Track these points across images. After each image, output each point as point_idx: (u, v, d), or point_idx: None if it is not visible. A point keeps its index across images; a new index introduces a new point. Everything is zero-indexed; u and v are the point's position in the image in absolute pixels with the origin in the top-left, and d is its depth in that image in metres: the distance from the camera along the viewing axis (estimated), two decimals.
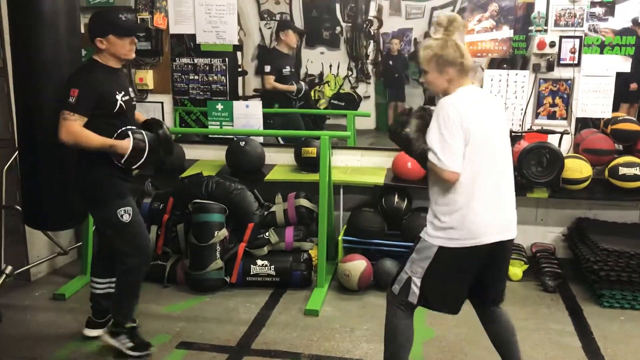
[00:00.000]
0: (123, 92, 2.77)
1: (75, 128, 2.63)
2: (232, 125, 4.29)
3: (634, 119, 3.92)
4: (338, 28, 4.59)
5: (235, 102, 4.32)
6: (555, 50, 3.89)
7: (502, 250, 2.31)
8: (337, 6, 4.52)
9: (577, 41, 3.87)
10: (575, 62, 3.91)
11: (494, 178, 2.26)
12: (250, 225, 3.82)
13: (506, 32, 4.03)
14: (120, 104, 2.73)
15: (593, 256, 3.54)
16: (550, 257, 3.95)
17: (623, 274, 3.47)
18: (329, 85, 4.70)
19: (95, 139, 2.66)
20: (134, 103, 2.91)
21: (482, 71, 4.08)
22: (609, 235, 3.70)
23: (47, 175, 2.94)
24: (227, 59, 4.41)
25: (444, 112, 2.19)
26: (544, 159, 3.68)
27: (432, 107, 2.33)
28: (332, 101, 4.70)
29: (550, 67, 3.94)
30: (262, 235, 3.84)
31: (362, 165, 4.30)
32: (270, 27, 4.59)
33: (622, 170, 3.70)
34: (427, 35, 4.34)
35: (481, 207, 2.22)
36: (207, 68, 4.44)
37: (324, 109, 4.70)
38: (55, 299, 3.65)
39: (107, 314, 3.16)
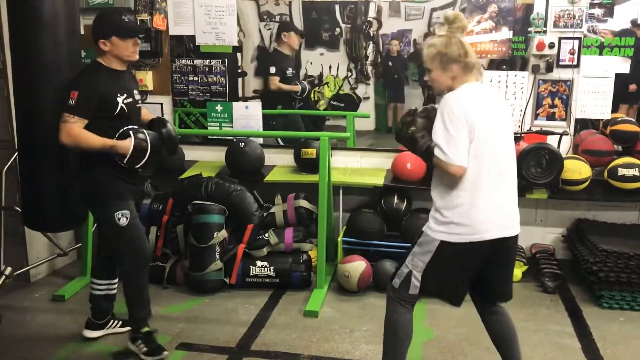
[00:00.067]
0: (125, 95, 2.76)
1: (75, 130, 2.63)
2: (232, 127, 4.29)
3: (633, 120, 3.93)
4: (337, 29, 4.60)
5: (234, 103, 4.32)
6: (554, 51, 3.89)
7: (504, 247, 2.31)
8: (337, 7, 4.53)
9: (576, 42, 3.88)
10: (575, 63, 3.91)
11: (498, 174, 2.27)
12: (250, 226, 3.82)
13: (505, 33, 4.03)
14: (122, 107, 2.72)
15: (592, 257, 3.54)
16: (550, 258, 3.95)
17: (622, 275, 3.47)
18: (328, 87, 4.70)
19: (95, 141, 2.66)
20: (138, 105, 2.90)
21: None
22: (608, 236, 3.70)
23: (46, 176, 2.94)
24: (226, 60, 4.41)
25: (448, 107, 2.20)
26: (543, 160, 3.68)
27: (437, 106, 2.34)
28: (331, 102, 4.70)
29: (549, 68, 3.95)
30: (261, 237, 3.84)
31: (362, 166, 4.31)
32: (269, 29, 4.60)
33: (621, 171, 3.70)
34: (426, 36, 4.35)
35: (484, 203, 2.23)
36: (207, 69, 4.44)
37: (324, 110, 4.71)
38: (55, 300, 3.65)
39: (107, 315, 3.17)
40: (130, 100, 2.79)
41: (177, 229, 3.91)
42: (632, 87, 4.10)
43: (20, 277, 3.70)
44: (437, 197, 2.31)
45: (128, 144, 2.69)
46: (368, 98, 4.68)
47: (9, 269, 3.43)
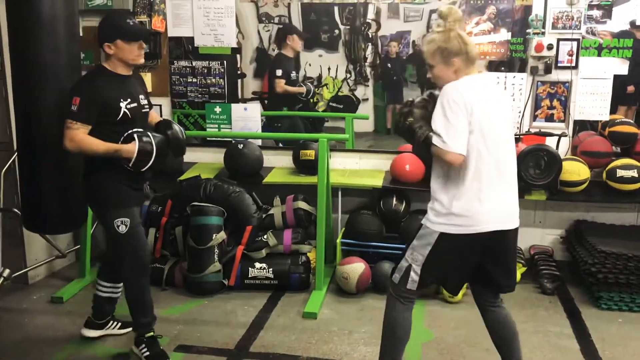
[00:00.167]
0: (129, 100, 2.74)
1: (79, 136, 2.63)
2: (231, 128, 4.29)
3: (632, 121, 3.93)
4: (336, 31, 4.60)
5: (233, 105, 4.32)
6: (552, 52, 3.89)
7: (503, 239, 2.31)
8: (336, 9, 4.53)
9: (574, 44, 3.88)
10: (573, 64, 3.91)
11: (499, 167, 2.27)
12: (249, 228, 3.82)
13: (504, 34, 4.03)
14: (125, 112, 2.70)
15: (591, 258, 3.54)
16: (549, 260, 3.95)
17: (621, 276, 3.47)
18: (327, 88, 4.71)
19: (99, 146, 2.65)
20: (144, 110, 2.86)
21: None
22: (607, 237, 3.70)
23: (46, 178, 2.94)
24: (225, 61, 4.41)
25: (447, 95, 2.20)
26: (541, 161, 3.68)
27: (436, 92, 2.34)
28: (330, 104, 4.70)
29: (548, 70, 3.95)
30: (260, 238, 3.84)
31: (361, 168, 4.30)
32: (268, 30, 4.60)
33: (620, 173, 3.70)
34: (432, 30, 4.35)
35: (484, 194, 2.23)
36: (205, 71, 4.44)
37: (323, 111, 4.71)
38: (53, 302, 3.65)
39: (107, 317, 3.18)
40: (134, 105, 2.76)
41: (175, 230, 3.91)
42: (631, 88, 4.10)
43: (19, 279, 3.70)
44: (437, 188, 2.31)
45: (132, 148, 2.68)
46: (367, 99, 4.68)
47: (7, 271, 3.42)
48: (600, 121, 3.98)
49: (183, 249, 3.87)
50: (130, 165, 2.70)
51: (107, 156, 2.68)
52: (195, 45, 4.39)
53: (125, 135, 2.71)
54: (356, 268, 3.69)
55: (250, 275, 3.76)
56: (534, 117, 4.05)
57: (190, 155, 4.42)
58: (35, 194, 2.97)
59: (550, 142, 3.87)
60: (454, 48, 2.25)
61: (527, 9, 3.94)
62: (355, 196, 4.19)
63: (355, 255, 3.85)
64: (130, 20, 2.74)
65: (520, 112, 4.03)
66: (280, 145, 4.51)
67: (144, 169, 2.75)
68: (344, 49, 4.62)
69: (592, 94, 3.95)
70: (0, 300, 3.57)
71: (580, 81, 3.94)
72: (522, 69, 4.03)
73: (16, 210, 3.63)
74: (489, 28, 4.04)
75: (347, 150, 4.36)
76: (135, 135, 2.70)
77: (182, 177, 4.09)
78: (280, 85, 4.53)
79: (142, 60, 2.79)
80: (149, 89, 4.44)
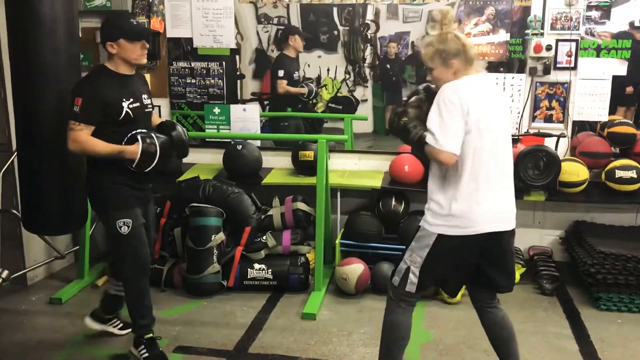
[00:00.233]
0: (132, 99, 2.72)
1: (82, 138, 2.62)
2: (229, 129, 4.29)
3: (631, 122, 3.93)
4: (335, 32, 4.60)
5: (232, 106, 4.32)
6: (551, 53, 3.90)
7: (500, 241, 2.31)
8: (335, 10, 4.53)
9: (573, 44, 3.88)
10: (572, 65, 3.92)
11: (496, 168, 2.28)
12: (248, 229, 3.82)
13: (503, 35, 4.04)
14: (127, 112, 2.69)
15: (590, 259, 3.54)
16: (548, 260, 3.95)
17: (620, 276, 3.47)
18: (326, 89, 4.71)
19: (102, 147, 2.65)
20: (147, 110, 2.86)
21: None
22: (606, 238, 3.70)
23: (46, 178, 2.93)
24: (224, 62, 4.41)
25: (444, 95, 2.21)
26: (540, 162, 3.68)
27: (432, 85, 2.35)
28: (329, 104, 4.70)
29: (546, 71, 3.95)
30: (259, 239, 3.84)
31: (360, 169, 4.31)
32: (267, 31, 4.60)
33: (619, 173, 3.70)
34: (427, 34, 4.35)
35: (482, 195, 2.24)
36: (204, 72, 4.44)
37: (322, 112, 4.71)
38: (52, 303, 3.64)
39: (112, 313, 3.18)
40: (137, 105, 2.75)
41: (174, 231, 3.91)
42: (629, 89, 4.11)
43: (17, 280, 3.69)
44: (434, 189, 2.31)
45: (136, 149, 2.66)
46: (366, 100, 4.68)
47: (6, 272, 3.42)
48: (599, 122, 3.99)
49: (182, 250, 3.86)
50: (133, 166, 2.69)
51: (110, 157, 2.67)
52: (194, 46, 4.39)
53: (128, 136, 2.70)
54: (355, 269, 3.69)
55: (249, 276, 3.75)
56: (533, 118, 4.05)
57: (189, 156, 4.34)
58: (35, 194, 2.96)
59: (549, 142, 3.87)
60: (451, 49, 2.25)
61: (526, 10, 3.95)
62: (354, 197, 4.19)
63: (354, 256, 3.85)
64: (133, 20, 2.74)
65: (519, 112, 4.03)
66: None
67: (147, 170, 2.74)
68: (343, 50, 4.62)
69: (591, 94, 3.95)
70: None
71: (579, 82, 3.94)
72: (521, 70, 4.03)
73: (15, 211, 3.63)
74: (487, 29, 4.05)
75: (346, 151, 4.36)
76: (138, 136, 2.69)
77: (181, 178, 4.09)
78: (282, 86, 4.53)
79: (144, 60, 2.78)
80: None
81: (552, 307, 3.60)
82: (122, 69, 2.73)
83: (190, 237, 3.73)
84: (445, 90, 2.22)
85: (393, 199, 3.95)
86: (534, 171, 3.69)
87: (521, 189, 3.73)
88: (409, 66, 4.64)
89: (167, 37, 4.40)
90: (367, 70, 4.61)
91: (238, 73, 4.56)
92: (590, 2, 3.86)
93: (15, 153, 3.49)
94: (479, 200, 2.23)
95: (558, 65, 3.94)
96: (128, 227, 2.76)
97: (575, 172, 3.73)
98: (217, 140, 4.42)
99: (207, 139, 4.52)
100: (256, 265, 3.76)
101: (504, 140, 2.32)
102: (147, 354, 2.90)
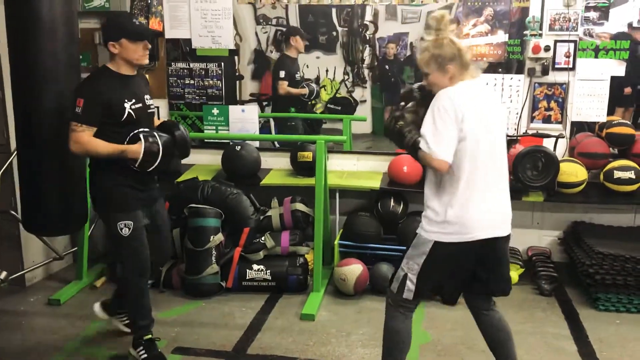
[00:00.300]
0: (134, 100, 2.72)
1: (83, 139, 2.62)
2: (228, 130, 4.29)
3: (629, 122, 3.94)
4: (334, 32, 4.60)
5: (231, 107, 4.32)
6: (550, 54, 3.90)
7: (497, 246, 2.31)
8: (333, 11, 4.52)
9: (571, 45, 3.89)
10: (570, 66, 3.92)
11: (492, 173, 2.28)
12: (246, 230, 3.81)
13: (501, 36, 4.04)
14: (129, 112, 2.69)
15: (588, 260, 3.54)
16: (546, 261, 3.95)
17: (618, 277, 3.47)
18: (325, 90, 4.70)
19: (104, 147, 2.64)
20: (150, 111, 2.85)
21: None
22: (605, 238, 3.70)
23: (46, 179, 2.92)
24: (222, 63, 4.41)
25: (439, 102, 2.21)
26: (539, 162, 3.68)
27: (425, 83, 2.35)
28: (328, 105, 4.70)
29: (545, 71, 3.95)
30: (258, 240, 3.84)
31: (358, 170, 4.31)
32: (266, 32, 4.60)
33: (617, 174, 3.71)
34: (423, 39, 4.35)
35: (478, 201, 2.24)
36: (203, 72, 4.44)
37: (321, 113, 4.71)
38: (51, 304, 3.64)
39: (124, 309, 3.17)
40: (139, 105, 2.74)
41: (173, 232, 3.90)
42: (628, 90, 4.11)
43: (16, 281, 3.69)
44: (430, 195, 2.31)
45: (139, 148, 2.66)
46: (365, 101, 4.68)
47: (4, 273, 3.42)
48: (598, 122, 3.99)
49: (180, 251, 3.86)
50: (136, 165, 2.68)
51: (113, 157, 2.67)
52: (193, 47, 4.39)
53: (130, 135, 2.69)
54: (354, 270, 3.69)
55: (247, 277, 3.75)
56: (532, 119, 4.06)
57: (188, 156, 4.43)
58: (35, 194, 2.95)
59: (548, 143, 3.87)
60: (447, 54, 2.25)
61: (525, 11, 3.95)
62: (353, 198, 4.19)
63: (353, 256, 3.85)
64: (135, 20, 2.74)
65: (517, 113, 4.03)
66: (277, 145, 4.49)
67: (150, 170, 2.73)
68: (342, 51, 4.61)
69: (589, 95, 3.96)
70: None
71: (577, 83, 3.95)
72: (519, 71, 4.03)
73: (13, 212, 3.63)
74: (486, 30, 4.05)
75: (344, 151, 4.36)
76: (141, 136, 2.68)
77: (180, 179, 4.09)
78: (283, 87, 4.53)
79: (146, 61, 2.77)
80: None
81: (550, 308, 3.60)
82: (124, 69, 2.73)
83: (189, 237, 3.73)
84: (441, 98, 2.21)
85: (392, 200, 3.95)
86: (532, 172, 3.69)
87: (520, 190, 3.74)
88: (407, 67, 4.63)
89: (166, 38, 4.40)
90: (366, 71, 4.61)
91: (237, 74, 4.56)
92: (589, 3, 3.86)
93: (14, 154, 3.49)
94: (475, 207, 2.23)
95: (556, 66, 3.94)
96: (129, 229, 2.76)
97: (573, 172, 3.73)
98: (216, 141, 4.41)
99: (205, 140, 4.51)
100: (255, 266, 3.76)
101: (500, 143, 2.32)
102: (145, 355, 2.90)
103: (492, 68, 4.11)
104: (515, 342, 2.52)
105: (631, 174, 3.69)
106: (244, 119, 4.26)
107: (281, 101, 4.59)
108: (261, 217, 3.95)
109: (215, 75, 4.44)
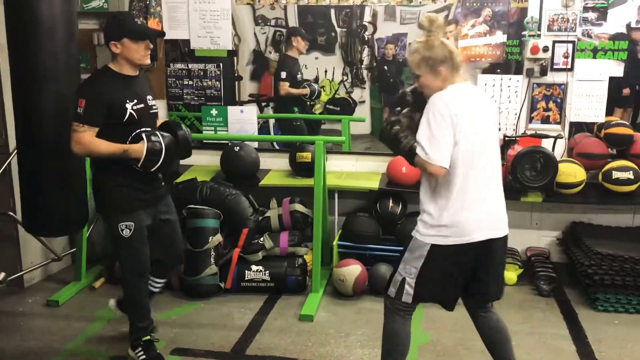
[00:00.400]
0: (136, 101, 2.70)
1: (85, 139, 2.61)
2: (227, 131, 4.29)
3: (627, 123, 3.94)
4: (333, 33, 4.60)
5: (229, 107, 4.32)
6: (548, 55, 3.90)
7: (494, 248, 2.31)
8: (332, 11, 4.52)
9: (570, 46, 3.89)
10: (569, 66, 3.93)
11: (485, 175, 2.28)
12: (245, 231, 3.81)
13: (499, 37, 4.04)
14: (131, 113, 2.67)
15: (587, 260, 3.54)
16: (545, 261, 3.96)
17: (617, 277, 3.47)
18: (324, 90, 4.70)
19: (106, 147, 2.63)
20: (152, 111, 2.83)
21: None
22: (603, 239, 3.71)
23: (46, 179, 2.92)
24: (221, 64, 4.41)
25: (434, 107, 2.20)
26: (537, 163, 3.69)
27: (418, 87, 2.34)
28: (327, 106, 4.70)
29: (543, 72, 3.96)
30: (256, 241, 3.84)
31: (357, 170, 4.31)
32: (265, 33, 4.60)
33: (616, 175, 3.71)
34: (411, 45, 4.35)
35: (473, 204, 2.23)
36: (202, 73, 4.44)
37: (319, 113, 4.71)
38: (49, 305, 3.63)
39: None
40: (141, 106, 2.73)
41: None
42: (626, 90, 4.11)
43: (14, 282, 3.69)
44: (426, 199, 2.31)
45: (141, 148, 2.64)
46: (363, 102, 4.68)
47: (2, 274, 3.42)
48: (596, 123, 3.99)
49: None
50: (139, 165, 2.67)
51: (115, 157, 2.65)
52: (192, 47, 4.39)
53: (132, 135, 2.68)
54: (353, 270, 3.69)
55: (246, 278, 3.75)
56: (530, 119, 4.06)
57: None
58: (34, 195, 2.95)
59: (546, 144, 3.87)
60: (438, 56, 2.24)
61: (523, 11, 3.95)
62: (352, 198, 4.19)
63: (351, 257, 3.85)
64: (138, 20, 2.74)
65: (516, 114, 4.04)
66: (277, 147, 4.49)
67: (153, 169, 2.72)
68: (341, 52, 4.61)
69: (587, 96, 3.96)
70: None
71: (575, 83, 3.95)
72: (517, 71, 4.04)
73: (11, 213, 3.62)
74: (484, 30, 4.05)
75: (343, 152, 4.36)
76: (143, 135, 2.67)
77: (179, 180, 4.09)
78: (284, 87, 4.53)
79: (148, 61, 2.75)
80: None
81: (549, 308, 3.60)
82: (126, 69, 2.71)
83: (187, 238, 3.72)
84: (436, 103, 2.21)
85: (390, 200, 3.95)
86: (531, 172, 3.69)
87: (518, 190, 3.75)
88: (406, 68, 4.63)
89: (165, 39, 4.39)
90: (365, 72, 4.60)
91: (235, 75, 4.56)
92: (587, 4, 3.87)
93: (12, 154, 3.49)
94: (471, 209, 2.23)
95: (555, 67, 3.95)
96: (130, 230, 2.75)
97: (572, 173, 3.74)
98: (215, 141, 4.41)
99: (204, 141, 4.51)
100: (254, 267, 3.76)
101: (490, 144, 2.31)
102: (144, 356, 2.89)
103: (490, 69, 4.11)
104: (514, 343, 2.52)
105: (630, 175, 3.69)
106: (243, 120, 4.26)
107: (285, 102, 4.59)
108: (260, 218, 3.95)
109: (214, 76, 4.44)
